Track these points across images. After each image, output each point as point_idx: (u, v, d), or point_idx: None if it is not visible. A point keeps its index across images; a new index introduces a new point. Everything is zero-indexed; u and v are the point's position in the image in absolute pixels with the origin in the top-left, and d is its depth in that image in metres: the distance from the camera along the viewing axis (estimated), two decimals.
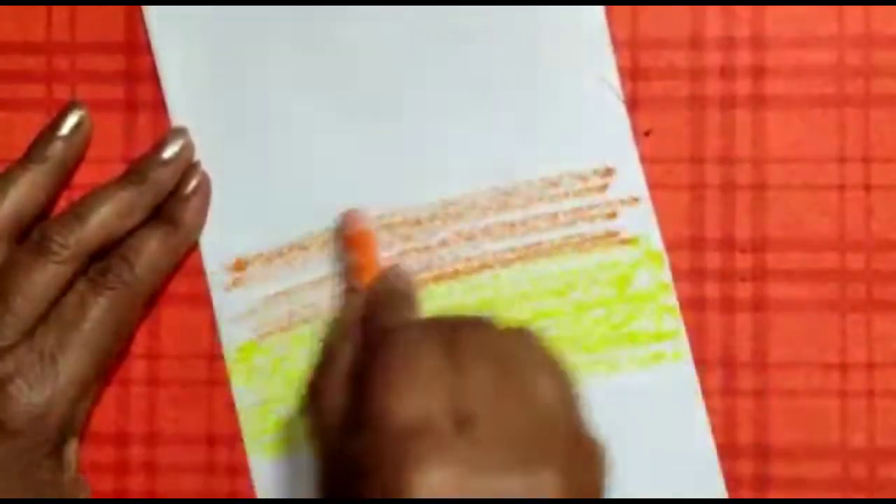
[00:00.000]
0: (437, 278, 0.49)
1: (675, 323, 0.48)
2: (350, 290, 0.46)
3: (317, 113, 0.49)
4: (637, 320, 0.48)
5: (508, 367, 0.38)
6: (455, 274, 0.49)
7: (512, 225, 0.49)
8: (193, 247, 0.49)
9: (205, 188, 0.49)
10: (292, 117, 0.49)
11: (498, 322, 0.40)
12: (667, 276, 0.48)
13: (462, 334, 0.39)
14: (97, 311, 0.46)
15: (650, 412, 0.48)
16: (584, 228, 0.48)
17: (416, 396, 0.37)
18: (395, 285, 0.45)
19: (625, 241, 0.48)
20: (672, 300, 0.48)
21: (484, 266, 0.49)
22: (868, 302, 0.48)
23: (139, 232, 0.47)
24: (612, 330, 0.48)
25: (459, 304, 0.48)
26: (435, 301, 0.48)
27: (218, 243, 0.49)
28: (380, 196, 0.49)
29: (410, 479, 0.35)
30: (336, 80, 0.49)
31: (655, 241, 0.48)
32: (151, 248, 0.47)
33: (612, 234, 0.48)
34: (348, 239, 0.48)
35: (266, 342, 0.49)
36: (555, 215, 0.48)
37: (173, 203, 0.48)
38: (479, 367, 0.38)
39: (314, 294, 0.49)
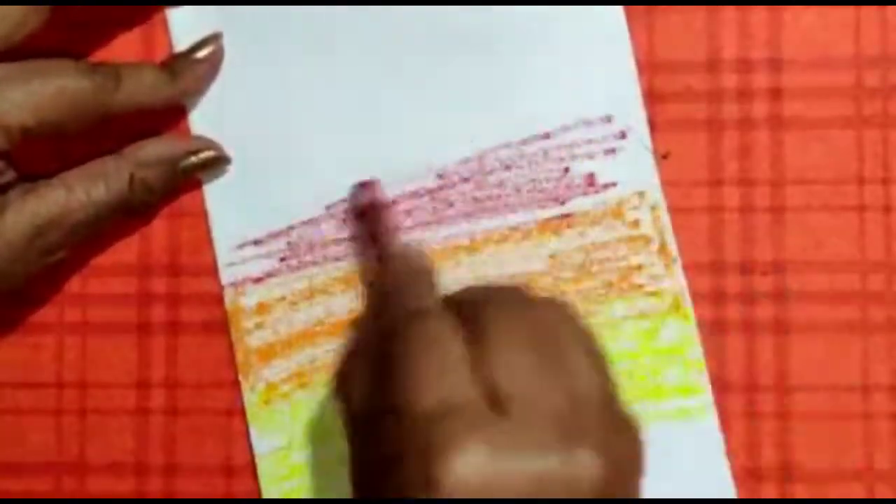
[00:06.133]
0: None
1: (700, 378, 0.47)
2: (371, 274, 0.45)
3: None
4: (662, 374, 0.47)
5: (541, 342, 0.37)
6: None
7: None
8: (209, 271, 0.49)
9: (215, 63, 0.49)
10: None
11: (528, 292, 0.39)
12: (693, 329, 0.47)
13: (489, 310, 0.37)
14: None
15: (674, 466, 0.47)
16: (610, 277, 0.48)
17: (440, 380, 0.35)
18: (412, 265, 0.44)
19: (650, 294, 0.48)
20: (698, 354, 0.47)
21: None
22: (889, 323, 0.48)
23: (140, 62, 0.48)
24: (638, 383, 0.48)
25: None
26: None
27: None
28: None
29: (442, 461, 0.34)
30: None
31: (682, 293, 0.48)
32: (144, 77, 0.47)
33: (637, 287, 0.48)
34: (363, 210, 0.46)
35: (287, 386, 0.49)
36: (582, 265, 0.48)
37: (181, 58, 0.48)
38: (509, 343, 0.36)
39: (338, 339, 0.49)
